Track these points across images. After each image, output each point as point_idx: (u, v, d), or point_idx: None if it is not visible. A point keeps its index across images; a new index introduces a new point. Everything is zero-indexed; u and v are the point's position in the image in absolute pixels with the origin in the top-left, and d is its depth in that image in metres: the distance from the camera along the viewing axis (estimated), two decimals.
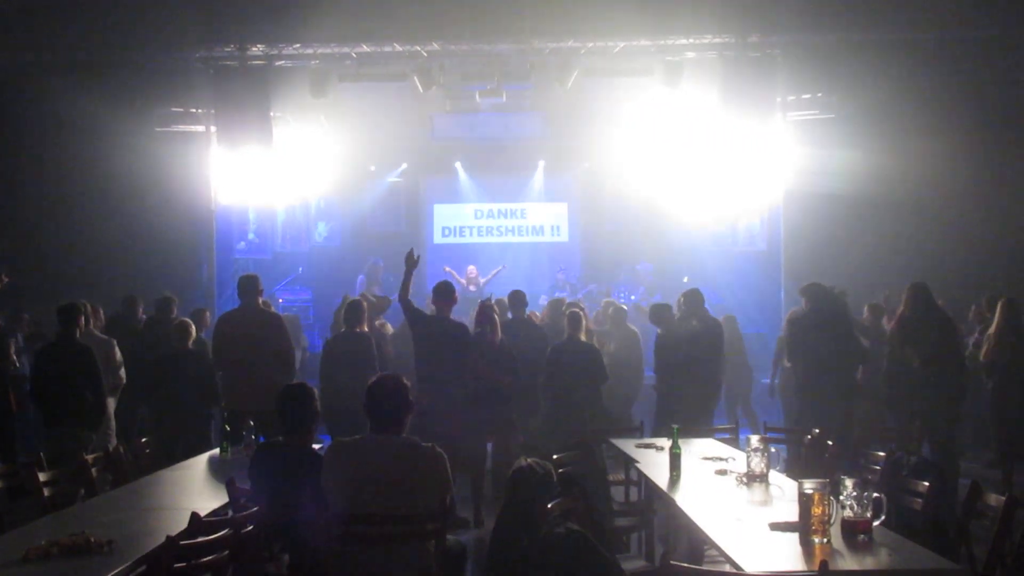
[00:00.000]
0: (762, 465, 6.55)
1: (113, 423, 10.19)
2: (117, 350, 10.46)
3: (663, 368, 11.29)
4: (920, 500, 6.08)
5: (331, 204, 20.22)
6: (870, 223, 15.39)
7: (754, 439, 6.75)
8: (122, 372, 10.50)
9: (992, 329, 11.10)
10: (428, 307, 10.70)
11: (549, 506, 5.51)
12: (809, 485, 4.92)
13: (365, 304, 11.42)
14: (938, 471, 7.09)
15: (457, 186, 20.87)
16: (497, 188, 20.86)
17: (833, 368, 10.38)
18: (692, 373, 10.94)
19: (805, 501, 4.91)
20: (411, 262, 10.08)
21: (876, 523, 5.03)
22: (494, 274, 18.34)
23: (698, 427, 9.43)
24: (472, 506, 9.88)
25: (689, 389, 10.88)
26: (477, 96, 16.57)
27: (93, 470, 7.30)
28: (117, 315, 12.32)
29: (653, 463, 7.55)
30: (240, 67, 15.05)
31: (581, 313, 11.39)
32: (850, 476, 5.16)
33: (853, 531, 4.95)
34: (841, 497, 5.00)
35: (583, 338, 11.07)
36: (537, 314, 13.59)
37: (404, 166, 20.55)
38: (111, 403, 10.31)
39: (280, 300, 18.04)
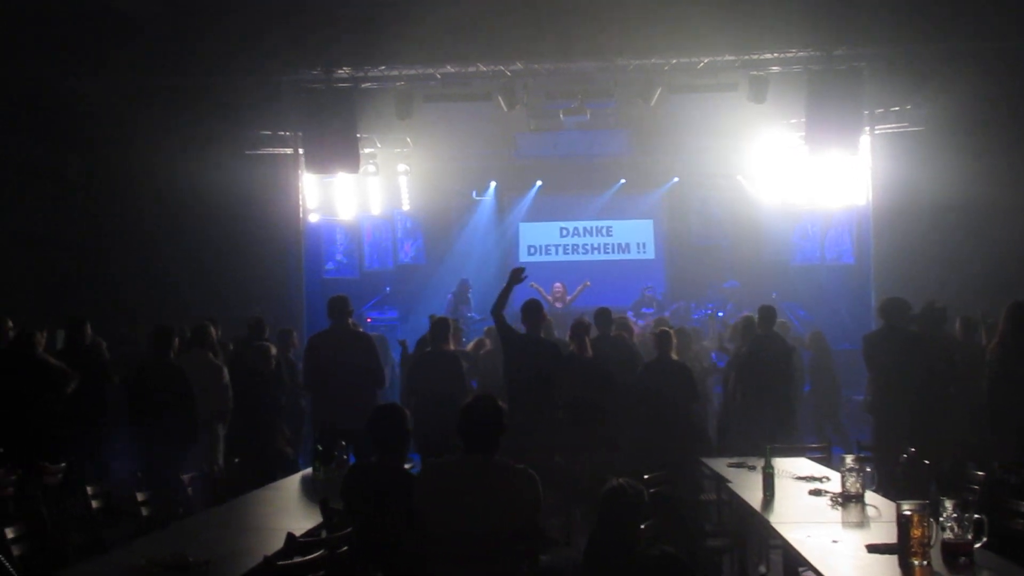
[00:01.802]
0: (858, 485, 6.46)
1: (221, 444, 10.35)
2: (226, 374, 10.61)
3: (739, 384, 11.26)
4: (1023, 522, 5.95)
5: (417, 224, 20.36)
6: (962, 236, 15.10)
7: (849, 459, 6.66)
8: (229, 396, 10.63)
9: None
10: (517, 326, 10.69)
11: (642, 527, 5.48)
12: (908, 506, 4.82)
13: (451, 322, 11.48)
14: None
15: (542, 204, 20.87)
16: (582, 206, 20.84)
17: (910, 387, 10.20)
18: (765, 390, 10.87)
19: (904, 522, 4.82)
20: (515, 278, 10.06)
21: (977, 545, 4.91)
22: (580, 290, 18.26)
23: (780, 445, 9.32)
24: (563, 526, 9.84)
25: (763, 408, 10.82)
26: (561, 114, 16.59)
27: (189, 490, 7.41)
28: (244, 338, 12.48)
29: (745, 483, 7.48)
30: (327, 90, 15.19)
31: (671, 332, 11.34)
32: (949, 497, 5.06)
33: (954, 553, 4.85)
34: (941, 518, 4.90)
35: (674, 356, 11.02)
36: (624, 334, 13.52)
37: (493, 184, 20.61)
38: (221, 428, 10.49)
39: (368, 320, 18.17)
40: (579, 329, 10.66)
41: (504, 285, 10.15)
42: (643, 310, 17.81)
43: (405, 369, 11.94)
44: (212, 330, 10.89)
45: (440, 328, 11.01)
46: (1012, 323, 9.73)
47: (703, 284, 19.44)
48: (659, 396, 10.68)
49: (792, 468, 7.92)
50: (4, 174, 16.06)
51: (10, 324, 10.73)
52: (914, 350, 10.45)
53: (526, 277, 10.23)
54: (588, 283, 18.41)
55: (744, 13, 13.84)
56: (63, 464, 8.56)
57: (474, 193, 20.54)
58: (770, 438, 9.39)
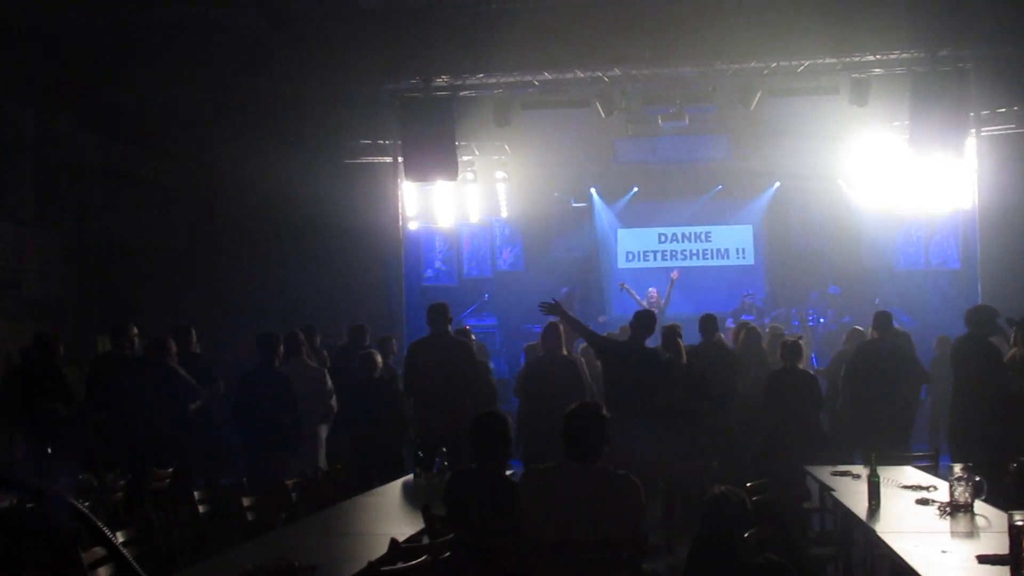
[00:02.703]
0: (967, 494, 6.32)
1: (323, 449, 10.48)
2: (328, 379, 10.74)
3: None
4: None
5: (516, 230, 20.39)
6: None
7: (957, 467, 6.53)
8: (333, 401, 10.76)
9: None
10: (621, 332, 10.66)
11: (746, 535, 5.42)
12: (1020, 516, 4.71)
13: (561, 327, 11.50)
14: None
15: (640, 210, 20.78)
16: (680, 211, 20.70)
17: (984, 397, 10.02)
18: (874, 396, 10.74)
19: (1016, 533, 4.70)
20: (554, 310, 10.12)
21: None
22: (669, 290, 18.08)
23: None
24: (663, 533, 9.79)
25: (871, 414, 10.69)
26: (659, 120, 16.50)
27: (293, 495, 7.50)
28: (344, 345, 12.62)
29: (850, 491, 7.37)
30: (425, 98, 15.29)
31: (801, 343, 11.26)
32: None
33: None
34: None
35: (801, 366, 10.95)
36: (723, 337, 13.44)
37: (592, 190, 20.59)
38: (323, 430, 10.63)
39: (466, 327, 18.24)
40: (671, 335, 10.61)
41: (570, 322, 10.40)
42: (743, 317, 17.61)
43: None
44: (303, 337, 11.01)
45: (549, 333, 11.05)
46: None
47: (804, 290, 19.21)
48: (787, 405, 10.60)
49: (898, 477, 7.78)
50: (111, 186, 16.47)
51: (135, 331, 10.93)
52: (988, 361, 10.24)
53: (556, 304, 10.22)
54: (675, 274, 18.22)
55: (845, 15, 13.69)
56: (170, 469, 8.70)
57: (572, 200, 20.51)
58: (878, 444, 9.26)
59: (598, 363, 10.86)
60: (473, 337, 12.54)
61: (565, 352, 11.16)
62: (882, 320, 11.31)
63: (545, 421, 9.98)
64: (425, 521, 6.04)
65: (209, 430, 10.82)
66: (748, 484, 6.93)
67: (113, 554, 2.11)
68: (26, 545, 6.79)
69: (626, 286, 17.85)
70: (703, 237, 20.77)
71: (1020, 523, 4.68)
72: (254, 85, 15.18)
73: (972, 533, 5.87)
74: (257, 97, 15.67)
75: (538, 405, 10.58)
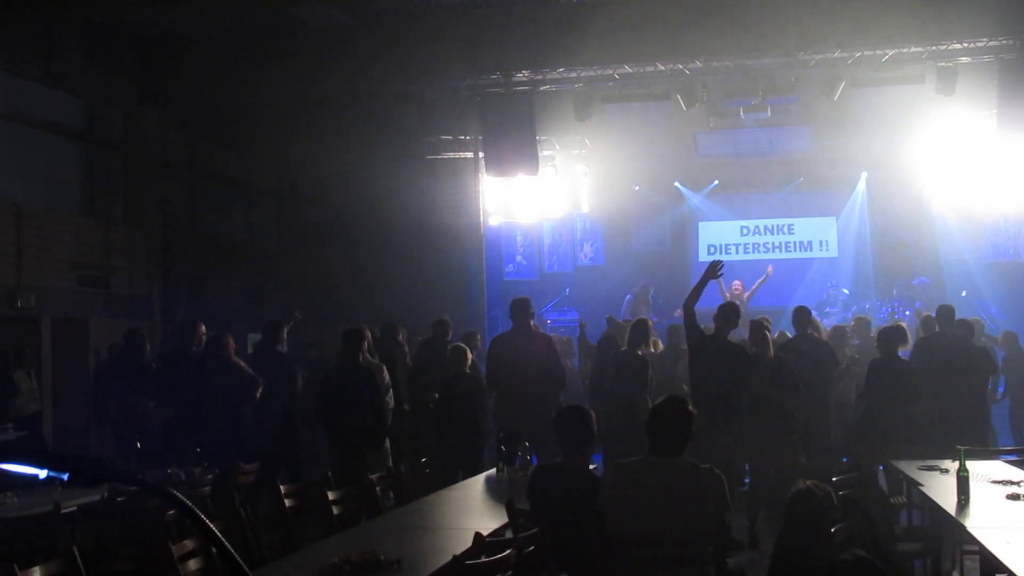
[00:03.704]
0: None
1: (388, 445, 10.55)
2: (386, 374, 10.81)
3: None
4: None
5: (596, 224, 20.37)
6: None
7: None
8: (390, 396, 10.82)
9: None
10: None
11: (832, 531, 5.37)
12: None
13: (649, 323, 11.47)
14: None
15: (722, 203, 20.66)
16: (762, 204, 20.55)
17: None
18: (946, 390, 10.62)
19: None
20: (712, 272, 9.97)
21: None
22: (761, 282, 17.90)
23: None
24: (748, 528, 9.72)
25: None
26: (741, 112, 16.37)
27: (377, 490, 7.55)
28: (428, 340, 12.69)
29: (938, 486, 7.25)
30: (506, 93, 15.29)
31: (900, 330, 11.18)
32: None
33: None
34: None
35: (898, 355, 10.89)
36: (818, 330, 13.31)
37: (676, 184, 20.50)
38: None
39: (548, 321, 18.26)
40: (758, 328, 10.53)
41: (700, 278, 10.06)
42: (827, 308, 17.46)
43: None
44: (367, 332, 11.01)
45: (637, 331, 11.04)
46: None
47: (889, 282, 18.96)
48: (884, 394, 10.52)
49: (986, 471, 7.65)
50: (198, 184, 16.72)
51: (203, 329, 11.12)
52: None
53: (723, 273, 10.14)
54: (771, 269, 18.06)
55: (931, 2, 13.47)
56: (255, 464, 8.81)
57: (652, 193, 20.42)
58: (955, 438, 9.13)
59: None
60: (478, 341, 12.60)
61: (651, 349, 11.15)
62: (944, 313, 11.23)
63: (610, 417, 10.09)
64: (509, 516, 6.05)
65: (290, 425, 10.96)
66: (834, 478, 6.86)
67: (212, 542, 2.13)
68: (117, 536, 6.94)
69: (721, 274, 17.69)
70: (785, 229, 20.61)
71: None
72: (337, 83, 15.31)
73: None
74: (340, 95, 15.82)
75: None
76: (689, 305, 9.94)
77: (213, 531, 2.10)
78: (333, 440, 9.93)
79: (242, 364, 10.54)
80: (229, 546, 2.07)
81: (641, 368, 10.81)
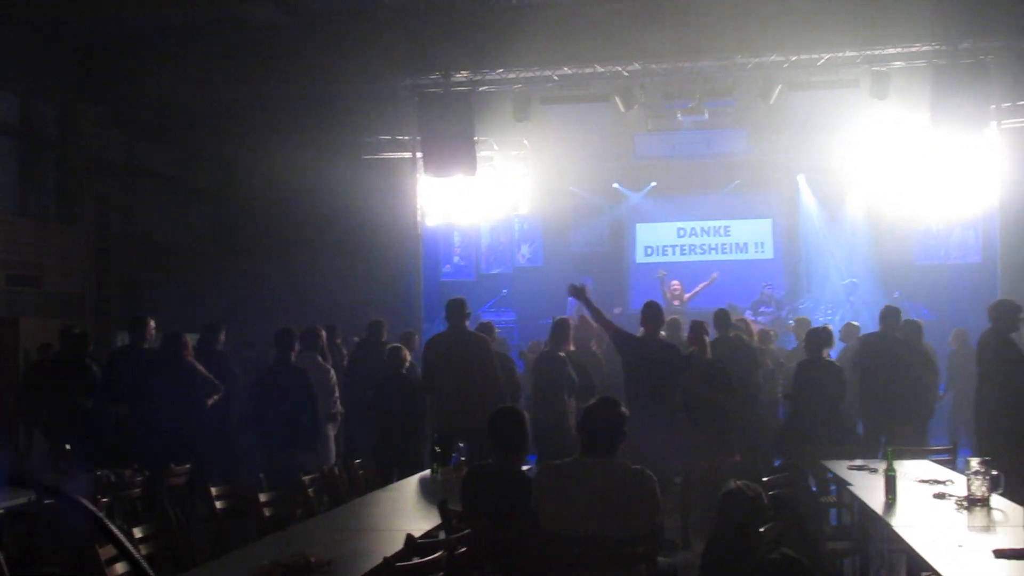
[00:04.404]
0: (984, 489, 6.30)
1: (333, 446, 10.50)
2: (333, 375, 10.77)
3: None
4: None
5: (534, 225, 20.39)
6: None
7: (975, 462, 6.50)
8: (336, 399, 10.77)
9: None
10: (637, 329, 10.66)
11: (762, 530, 5.42)
12: None
13: (571, 323, 11.48)
14: None
15: (659, 205, 20.77)
16: (699, 206, 20.69)
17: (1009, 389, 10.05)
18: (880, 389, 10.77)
19: None
20: (576, 293, 10.17)
21: None
22: (706, 285, 18.03)
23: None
24: (680, 528, 9.78)
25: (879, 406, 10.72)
26: (679, 114, 16.48)
27: (310, 491, 7.51)
28: (362, 341, 12.65)
29: (867, 485, 7.35)
30: (444, 94, 15.28)
31: (827, 332, 11.31)
32: None
33: None
34: None
35: (825, 356, 11.00)
36: (743, 335, 13.43)
37: (616, 185, 20.58)
38: (331, 428, 10.65)
39: (489, 322, 18.22)
40: (698, 330, 10.61)
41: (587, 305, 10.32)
42: (761, 309, 17.62)
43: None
44: (322, 333, 11.05)
45: (557, 329, 11.04)
46: None
47: (823, 283, 19.17)
48: (814, 394, 10.63)
49: (915, 471, 7.76)
50: (134, 182, 16.54)
51: (153, 325, 10.99)
52: (1010, 355, 10.24)
53: (583, 287, 10.27)
54: (716, 276, 18.19)
55: (866, 7, 13.64)
56: (188, 466, 8.74)
57: (589, 195, 20.49)
58: (893, 437, 9.26)
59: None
60: (497, 332, 12.54)
61: (571, 347, 11.16)
62: (887, 314, 11.35)
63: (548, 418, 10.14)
64: (441, 516, 6.04)
65: (227, 427, 10.88)
66: (765, 479, 6.92)
67: (125, 555, 2.11)
68: (44, 541, 6.85)
69: (664, 275, 17.79)
70: (722, 231, 20.79)
71: None
72: (275, 82, 15.22)
73: (989, 527, 5.86)
74: (278, 94, 15.73)
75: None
76: (601, 321, 10.14)
77: (116, 535, 2.07)
78: (266, 441, 9.86)
79: (199, 367, 10.42)
80: (133, 549, 2.05)
81: (559, 368, 10.81)
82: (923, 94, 14.43)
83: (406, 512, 7.06)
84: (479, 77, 15.24)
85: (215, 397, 10.34)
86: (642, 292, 14.78)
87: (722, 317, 11.79)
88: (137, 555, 2.01)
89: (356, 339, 12.96)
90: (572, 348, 11.14)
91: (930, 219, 18.07)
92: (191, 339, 11.04)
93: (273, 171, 16.41)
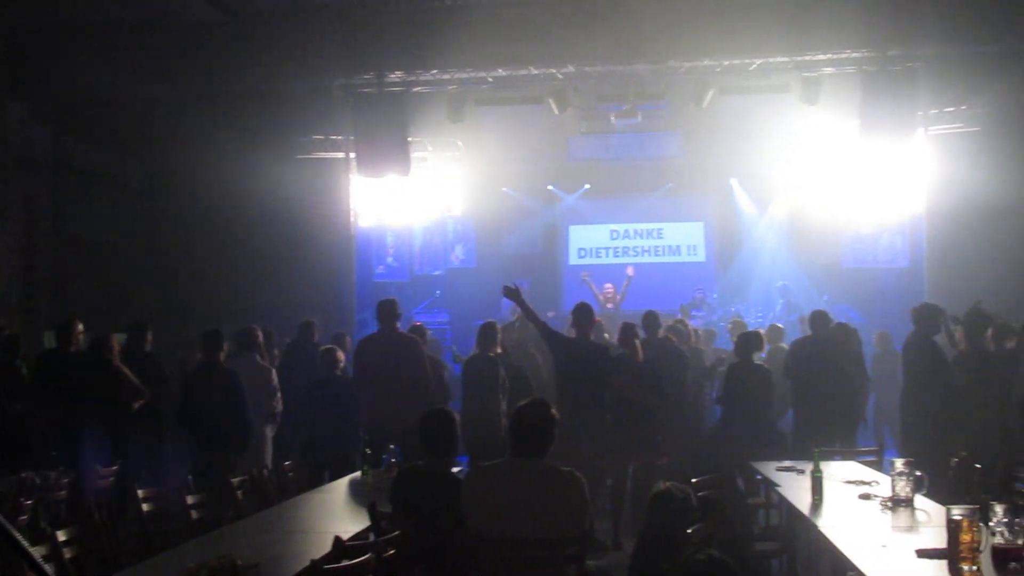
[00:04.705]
0: (907, 489, 6.40)
1: (270, 448, 10.43)
2: (274, 376, 10.70)
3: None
4: None
5: (467, 227, 20.37)
6: (1019, 238, 14.91)
7: (899, 463, 6.59)
8: (278, 399, 10.70)
9: None
10: (567, 330, 10.70)
11: (689, 531, 5.46)
12: (957, 511, 4.77)
13: (498, 326, 11.49)
14: None
15: (593, 207, 20.84)
16: (632, 208, 20.77)
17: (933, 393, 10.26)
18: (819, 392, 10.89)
19: (953, 527, 4.77)
20: (511, 294, 10.20)
21: None
22: (627, 284, 18.12)
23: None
24: (611, 529, 9.82)
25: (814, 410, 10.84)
26: (612, 117, 16.56)
27: (239, 493, 7.46)
28: (293, 342, 12.56)
29: (794, 487, 7.44)
30: (378, 94, 15.23)
31: (757, 335, 11.45)
32: (1000, 501, 5.01)
33: (1004, 559, 4.77)
34: (991, 523, 4.85)
35: (755, 359, 11.13)
36: (672, 336, 13.54)
37: (550, 188, 20.62)
38: (270, 429, 10.57)
39: (417, 323, 18.16)
40: (628, 332, 10.68)
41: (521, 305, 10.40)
42: (693, 312, 17.73)
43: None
44: (259, 333, 10.98)
45: (484, 333, 11.05)
46: None
47: (754, 286, 19.34)
48: (743, 397, 10.74)
49: (842, 472, 7.87)
50: (68, 180, 16.30)
51: (81, 328, 10.84)
52: (935, 357, 10.43)
53: (517, 288, 10.27)
54: (631, 272, 18.24)
55: (797, 14, 13.74)
56: (115, 467, 8.64)
57: (523, 196, 20.52)
58: (823, 439, 9.37)
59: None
60: (429, 334, 12.52)
61: (499, 350, 11.17)
62: (817, 318, 11.51)
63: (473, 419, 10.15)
64: (371, 518, 6.03)
65: (156, 428, 10.75)
66: (694, 480, 6.97)
67: (30, 563, 2.07)
68: None
69: (587, 278, 17.85)
70: (655, 234, 20.89)
71: (958, 517, 4.75)
72: (207, 80, 15.06)
73: (912, 527, 5.95)
74: (211, 92, 15.57)
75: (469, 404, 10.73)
76: (534, 321, 10.19)
77: (25, 548, 2.04)
78: (195, 443, 9.77)
79: (125, 371, 10.29)
80: (33, 553, 2.02)
81: (491, 369, 10.82)
82: (853, 100, 14.61)
83: (335, 514, 7.03)
84: (413, 78, 15.20)
85: (140, 402, 10.22)
86: (575, 294, 14.84)
87: (651, 319, 11.86)
88: (36, 558, 1.98)
89: (287, 340, 12.87)
90: (500, 350, 11.15)
91: (859, 224, 18.26)
92: (120, 339, 10.91)
93: (205, 170, 16.24)
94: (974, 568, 4.69)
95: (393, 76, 15.12)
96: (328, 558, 4.96)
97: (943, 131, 16.19)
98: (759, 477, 8.62)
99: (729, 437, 10.67)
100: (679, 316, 16.20)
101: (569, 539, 5.31)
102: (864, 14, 13.65)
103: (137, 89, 15.04)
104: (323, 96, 16.07)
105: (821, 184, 17.75)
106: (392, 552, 5.24)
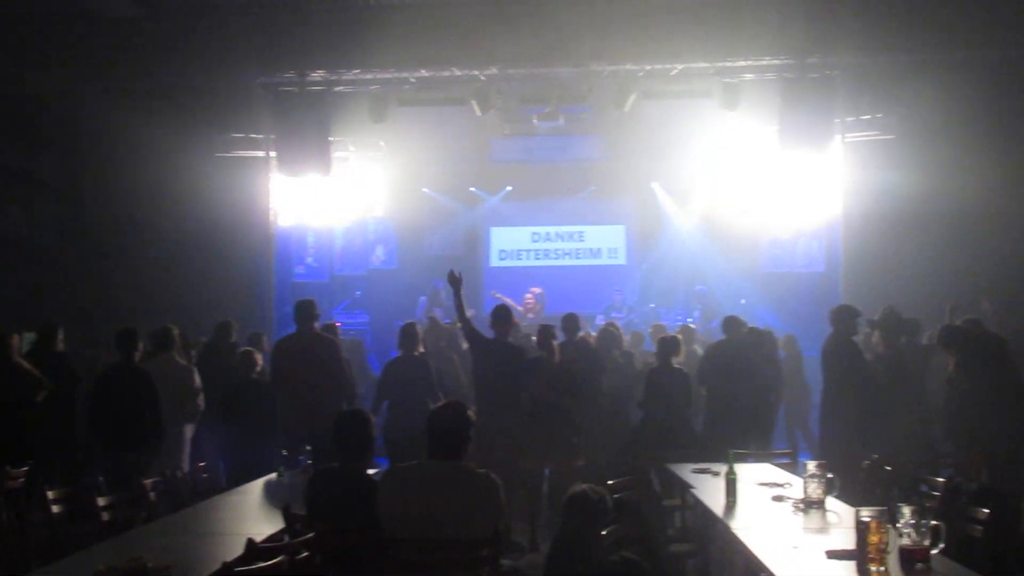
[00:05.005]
0: (819, 491, 6.49)
1: (188, 449, 10.30)
2: (196, 377, 10.57)
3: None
4: (980, 528, 5.98)
5: (388, 227, 20.25)
6: (930, 243, 15.18)
7: (811, 465, 6.68)
8: (200, 399, 10.58)
9: None
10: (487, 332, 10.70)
11: (603, 533, 5.48)
12: (866, 512, 4.86)
13: (418, 326, 11.45)
14: (999, 499, 6.96)
15: (514, 209, 20.86)
16: (554, 211, 20.79)
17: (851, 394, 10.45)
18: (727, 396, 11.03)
19: (862, 529, 4.85)
20: (454, 282, 10.18)
21: (934, 551, 4.94)
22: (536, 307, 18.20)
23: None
24: (528, 531, 9.83)
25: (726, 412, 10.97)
26: (535, 119, 16.60)
27: (152, 495, 7.36)
28: (210, 342, 12.42)
29: (709, 488, 7.50)
30: (300, 93, 15.14)
31: (675, 340, 11.53)
32: (909, 503, 5.09)
33: (911, 559, 4.88)
34: (899, 525, 4.93)
35: (675, 363, 11.20)
36: (592, 334, 13.64)
37: (472, 189, 20.60)
38: (189, 429, 10.44)
39: (338, 324, 18.04)
40: (545, 334, 10.71)
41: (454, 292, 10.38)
42: (612, 314, 17.80)
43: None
44: (175, 332, 10.83)
45: (407, 334, 10.99)
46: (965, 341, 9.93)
47: (673, 289, 19.46)
48: (663, 400, 10.83)
49: (756, 474, 7.95)
50: None
51: None
52: (852, 359, 10.60)
53: (461, 276, 10.28)
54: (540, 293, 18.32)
55: (718, 21, 13.90)
56: (25, 468, 8.49)
57: (445, 197, 20.48)
58: (740, 443, 9.46)
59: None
60: (339, 334, 12.45)
61: (421, 349, 11.13)
62: (730, 322, 11.68)
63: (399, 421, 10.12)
64: (285, 521, 5.98)
65: (69, 428, 10.57)
66: (610, 482, 7.00)
67: None
68: None
69: (497, 294, 17.87)
70: (576, 236, 20.94)
71: (866, 519, 4.82)
72: (126, 76, 14.88)
73: (823, 529, 6.03)
74: (129, 88, 15.38)
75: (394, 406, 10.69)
76: (462, 316, 10.16)
77: None
78: (107, 443, 9.62)
79: (24, 365, 10.10)
80: None
81: (419, 370, 10.78)
82: (772, 106, 14.80)
83: (250, 516, 6.95)
84: (335, 77, 15.14)
85: (41, 394, 10.00)
86: (492, 303, 14.81)
87: (571, 321, 11.90)
88: None
89: (203, 340, 12.72)
90: (422, 350, 11.12)
91: (777, 228, 18.45)
92: (29, 338, 10.73)
93: (123, 166, 16.02)
94: (882, 569, 4.77)
95: (315, 75, 15.06)
96: (240, 560, 4.91)
97: (859, 138, 16.46)
98: (675, 479, 8.68)
99: (647, 439, 10.74)
100: (599, 319, 16.33)
101: (483, 540, 5.31)
102: (784, 22, 13.83)
103: (54, 84, 14.82)
104: (244, 94, 15.95)
105: (740, 189, 17.92)
106: (305, 554, 5.20)
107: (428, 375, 10.69)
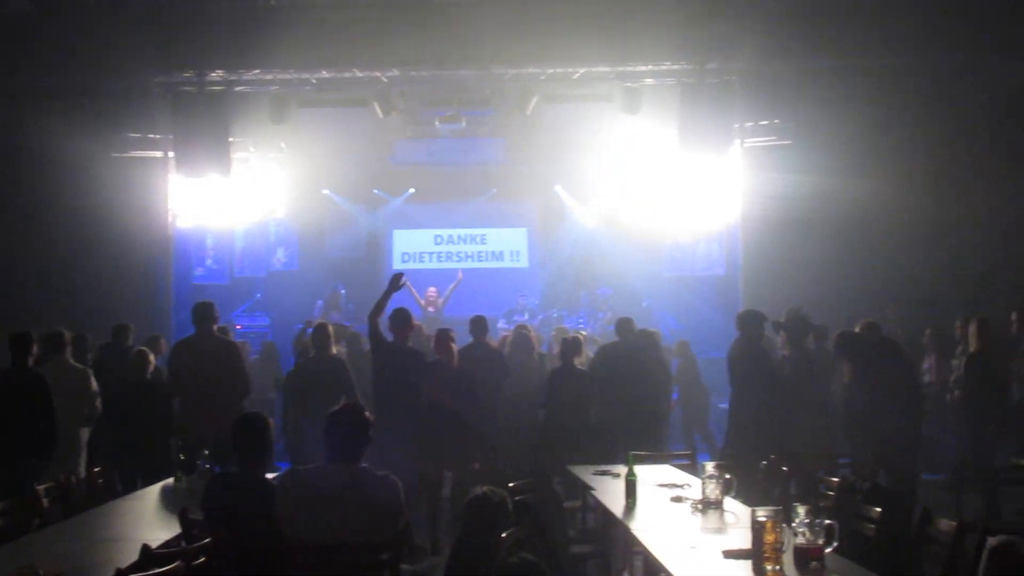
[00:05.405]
0: (717, 492, 6.57)
1: (85, 453, 10.10)
2: (93, 380, 10.36)
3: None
4: (873, 526, 6.11)
5: (289, 229, 20.09)
6: (827, 247, 15.46)
7: (709, 466, 6.77)
8: (98, 402, 10.38)
9: (973, 349, 10.87)
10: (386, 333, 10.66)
11: (503, 535, 5.49)
12: (761, 512, 4.93)
13: (330, 328, 11.36)
14: (892, 497, 7.12)
15: (417, 212, 20.83)
16: (457, 214, 20.84)
17: (757, 397, 10.61)
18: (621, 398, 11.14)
19: (758, 528, 4.93)
20: (395, 284, 10.15)
21: (828, 550, 5.03)
22: (453, 287, 18.26)
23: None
24: (429, 534, 9.82)
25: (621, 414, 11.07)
26: (437, 122, 16.60)
27: (45, 500, 7.21)
28: (107, 345, 12.18)
29: (609, 490, 7.55)
30: (199, 93, 14.95)
31: (577, 341, 11.59)
32: (804, 503, 5.18)
33: (805, 558, 4.96)
34: (794, 524, 5.01)
35: (578, 364, 11.25)
36: (494, 339, 13.65)
37: (375, 191, 20.52)
38: (85, 433, 10.24)
39: (238, 326, 17.89)
40: (443, 338, 10.69)
41: (383, 291, 10.21)
42: (515, 317, 17.87)
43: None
44: (68, 336, 10.60)
45: (322, 334, 10.87)
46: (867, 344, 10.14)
47: (576, 292, 19.57)
48: (565, 402, 10.87)
49: (656, 476, 8.02)
50: None
51: None
52: (759, 361, 10.76)
53: (405, 284, 10.27)
54: (461, 275, 18.39)
55: (619, 25, 13.99)
56: None
57: (345, 200, 20.38)
58: (634, 444, 9.53)
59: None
60: (232, 334, 12.32)
61: (335, 351, 11.05)
62: (622, 325, 11.80)
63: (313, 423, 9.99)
64: (182, 526, 5.90)
65: None
66: (511, 484, 7.01)
67: None
68: None
69: (408, 283, 17.83)
70: (478, 239, 21.00)
71: (762, 519, 4.90)
72: (19, 74, 14.54)
73: (720, 529, 6.10)
74: (21, 85, 15.03)
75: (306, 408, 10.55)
76: (374, 316, 10.12)
77: None
78: (1, 449, 9.40)
79: None
80: None
81: (335, 372, 10.69)
82: (673, 111, 14.96)
83: (146, 521, 6.84)
84: (235, 77, 14.99)
85: None
86: (396, 298, 14.69)
87: (479, 324, 11.92)
88: None
89: (99, 343, 12.49)
90: (335, 351, 11.05)
91: (678, 232, 18.64)
92: None
93: (16, 166, 15.68)
94: (777, 568, 4.85)
95: (214, 75, 14.89)
96: (135, 567, 4.84)
97: (757, 143, 16.70)
98: (577, 481, 8.72)
99: (549, 441, 10.78)
100: (501, 323, 16.38)
101: (383, 544, 5.29)
102: (684, 28, 13.98)
103: None
104: (141, 93, 15.66)
105: (642, 192, 18.08)
106: (202, 559, 5.14)
107: (347, 376, 10.56)
